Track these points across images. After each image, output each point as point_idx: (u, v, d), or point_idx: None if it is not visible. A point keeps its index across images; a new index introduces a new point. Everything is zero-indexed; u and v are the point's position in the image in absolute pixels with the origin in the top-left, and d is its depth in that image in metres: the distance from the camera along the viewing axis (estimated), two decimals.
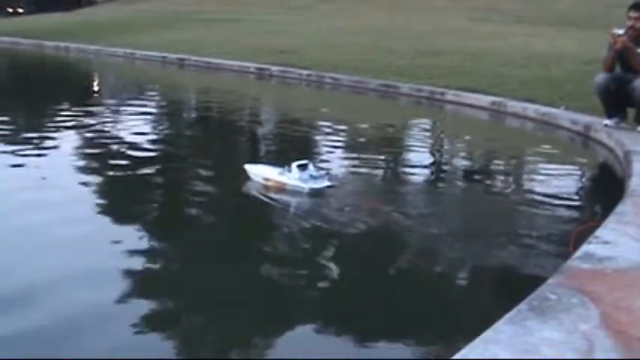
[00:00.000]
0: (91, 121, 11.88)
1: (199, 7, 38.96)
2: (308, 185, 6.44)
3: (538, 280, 3.51)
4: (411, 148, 10.75)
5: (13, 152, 8.63)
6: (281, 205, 6.36)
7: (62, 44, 31.03)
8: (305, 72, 19.23)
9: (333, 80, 18.23)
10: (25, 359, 3.44)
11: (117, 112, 13.53)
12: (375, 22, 29.34)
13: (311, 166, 6.56)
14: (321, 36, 25.44)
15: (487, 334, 2.70)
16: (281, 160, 6.97)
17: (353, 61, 19.65)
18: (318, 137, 11.35)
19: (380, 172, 8.68)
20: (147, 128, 11.40)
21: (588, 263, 3.67)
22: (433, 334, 3.95)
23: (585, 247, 3.97)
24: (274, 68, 20.20)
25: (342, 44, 22.96)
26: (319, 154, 9.47)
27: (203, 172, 8.16)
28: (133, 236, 5.50)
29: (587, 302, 3.03)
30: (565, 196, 7.37)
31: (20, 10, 70.35)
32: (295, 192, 6.48)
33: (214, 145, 10.54)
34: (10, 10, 70.85)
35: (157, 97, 17.08)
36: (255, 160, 7.32)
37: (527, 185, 8.16)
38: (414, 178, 8.40)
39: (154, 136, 10.80)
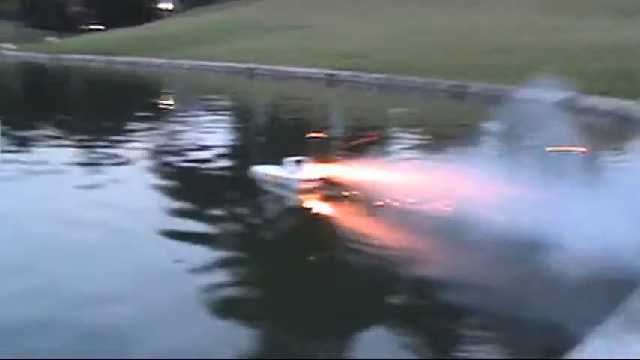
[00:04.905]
0: (158, 131, 12.55)
1: (265, 15, 39.12)
2: (297, 180, 7.02)
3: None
4: (470, 149, 10.40)
5: (91, 161, 9.32)
6: (268, 195, 7.21)
7: (132, 59, 31.49)
8: (374, 75, 19.17)
9: (403, 82, 18.10)
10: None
11: (183, 122, 13.86)
12: (444, 22, 29.08)
13: (304, 164, 7.07)
14: (390, 38, 25.32)
15: (576, 354, 2.59)
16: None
17: (423, 61, 19.49)
18: (378, 140, 11.23)
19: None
20: (210, 137, 11.53)
21: None
22: (521, 345, 3.81)
23: None
24: (344, 73, 20.19)
25: (412, 45, 22.82)
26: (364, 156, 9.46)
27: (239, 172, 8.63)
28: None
29: None
30: None
31: (94, 27, 71.40)
32: (287, 185, 7.07)
33: (263, 147, 10.81)
34: (84, 26, 72.22)
35: (224, 106, 17.31)
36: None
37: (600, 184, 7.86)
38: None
39: (216, 144, 10.89)
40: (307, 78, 21.34)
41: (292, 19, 35.84)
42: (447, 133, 11.29)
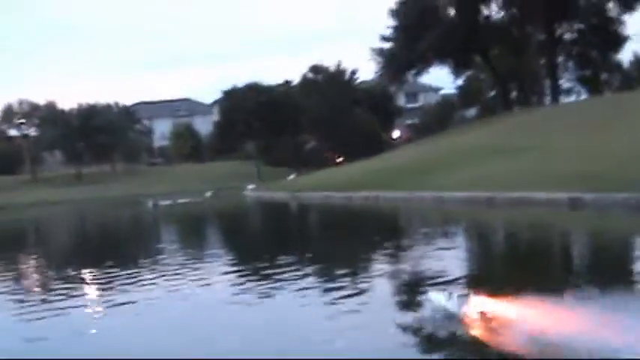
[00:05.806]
0: (393, 264, 13.37)
1: (495, 138, 38.43)
2: (460, 311, 7.66)
3: None
4: None
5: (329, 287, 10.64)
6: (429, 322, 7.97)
7: (370, 194, 32.03)
8: (620, 196, 18.24)
9: None
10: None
11: (419, 254, 14.38)
12: None
13: (471, 298, 7.72)
14: (630, 152, 24.05)
15: None
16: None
17: None
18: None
19: None
20: (446, 269, 11.75)
21: None
22: None
23: None
24: (587, 196, 19.38)
25: None
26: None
27: None
28: None
29: None
30: None
31: (332, 161, 73.64)
32: (452, 315, 7.73)
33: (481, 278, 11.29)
34: (324, 161, 74.68)
35: (460, 239, 17.57)
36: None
37: None
38: None
39: (441, 274, 11.27)
40: (548, 204, 20.72)
41: (524, 140, 34.81)
42: None
